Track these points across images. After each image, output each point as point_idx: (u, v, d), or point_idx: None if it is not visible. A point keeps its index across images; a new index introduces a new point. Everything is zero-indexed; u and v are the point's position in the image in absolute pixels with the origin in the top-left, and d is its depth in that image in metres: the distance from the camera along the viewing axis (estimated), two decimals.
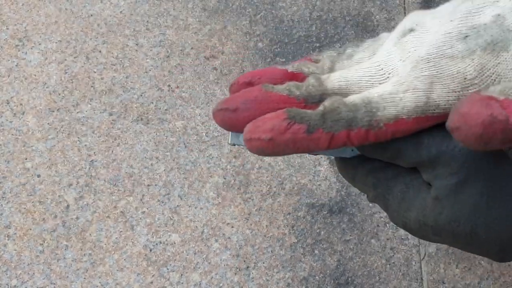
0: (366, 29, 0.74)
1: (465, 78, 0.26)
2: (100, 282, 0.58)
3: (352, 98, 0.28)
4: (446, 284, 0.58)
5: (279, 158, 0.65)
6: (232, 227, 0.61)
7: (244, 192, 0.62)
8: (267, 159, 0.65)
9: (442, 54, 0.26)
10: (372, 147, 0.29)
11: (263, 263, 0.58)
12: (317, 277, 0.58)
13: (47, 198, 0.62)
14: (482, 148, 0.24)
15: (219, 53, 0.72)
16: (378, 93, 0.27)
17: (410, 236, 0.61)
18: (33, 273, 0.58)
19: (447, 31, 0.27)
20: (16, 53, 0.71)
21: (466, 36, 0.26)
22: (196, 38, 0.73)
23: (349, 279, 0.57)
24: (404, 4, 0.77)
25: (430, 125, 0.27)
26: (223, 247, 0.59)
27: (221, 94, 0.69)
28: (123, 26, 0.74)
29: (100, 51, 0.72)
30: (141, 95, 0.69)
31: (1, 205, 0.62)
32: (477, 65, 0.26)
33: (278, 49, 0.73)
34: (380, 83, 0.29)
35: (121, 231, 0.61)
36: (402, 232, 0.61)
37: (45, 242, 0.60)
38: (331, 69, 0.31)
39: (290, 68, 0.32)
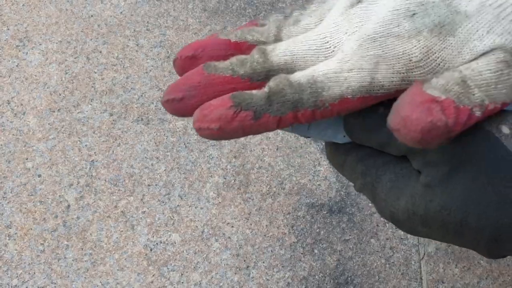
0: None
1: (410, 60, 0.26)
2: (100, 282, 0.58)
3: (297, 77, 0.27)
4: (445, 284, 0.58)
5: (279, 158, 0.65)
6: (232, 226, 0.61)
7: (244, 192, 0.63)
8: (267, 159, 0.65)
9: (388, 33, 0.26)
10: (361, 134, 0.29)
11: (263, 262, 0.59)
12: (316, 277, 0.58)
13: (47, 198, 0.62)
14: (421, 147, 0.25)
15: None
16: (323, 72, 0.27)
17: (409, 236, 0.61)
18: (34, 273, 0.59)
19: (395, 7, 0.26)
20: (17, 53, 0.71)
21: (414, 14, 0.26)
22: (196, 39, 0.73)
23: (349, 278, 0.58)
24: None
25: (376, 102, 0.27)
26: (223, 247, 0.60)
27: None
28: (123, 27, 0.74)
29: (100, 52, 0.72)
30: (142, 96, 0.69)
31: (2, 205, 0.62)
32: (423, 47, 0.26)
33: None
34: (325, 57, 0.28)
35: (122, 231, 0.61)
36: (401, 232, 0.61)
37: (46, 241, 0.60)
38: (277, 36, 0.31)
39: (233, 37, 0.31)
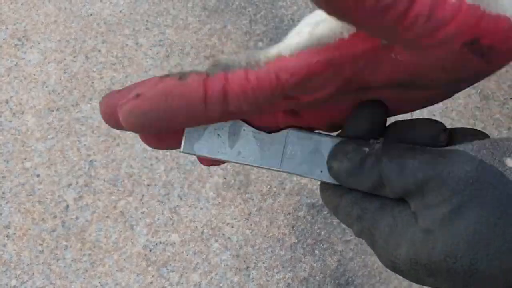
0: None
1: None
2: (99, 282, 0.58)
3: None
4: None
5: None
6: (232, 227, 0.60)
7: (244, 192, 0.62)
8: None
9: None
10: (349, 180, 0.26)
11: (263, 263, 0.58)
12: (317, 278, 0.58)
13: (46, 198, 0.62)
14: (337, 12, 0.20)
15: (219, 53, 0.72)
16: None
17: None
18: (33, 273, 0.58)
19: None
20: (16, 52, 0.71)
21: None
22: (196, 38, 0.73)
23: (350, 279, 0.57)
24: None
25: (319, 66, 0.23)
26: (223, 247, 0.59)
27: None
28: (122, 26, 0.73)
29: (99, 51, 0.72)
30: None
31: (1, 205, 0.62)
32: None
33: None
34: None
35: (121, 231, 0.61)
36: None
37: (45, 242, 0.60)
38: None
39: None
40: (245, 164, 0.27)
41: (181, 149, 0.26)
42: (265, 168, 0.28)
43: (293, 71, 0.23)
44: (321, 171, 0.28)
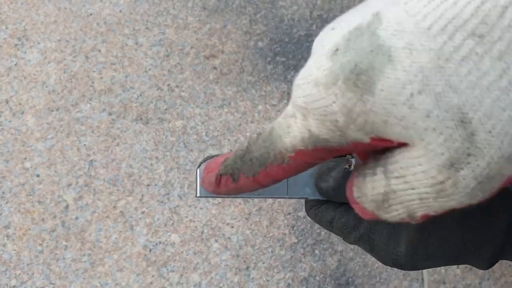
0: None
1: (336, 121, 0.20)
2: (99, 283, 0.58)
3: (263, 130, 0.25)
4: (446, 285, 0.58)
5: None
6: (232, 227, 0.60)
7: None
8: None
9: (308, 79, 0.21)
10: (338, 197, 0.28)
11: (263, 263, 0.58)
12: (317, 278, 0.58)
13: (46, 198, 0.62)
14: None
15: (219, 53, 0.72)
16: (277, 120, 0.24)
17: None
18: (33, 273, 0.58)
19: (323, 43, 0.21)
20: (15, 52, 0.71)
21: (337, 50, 0.20)
22: (196, 37, 0.73)
23: (350, 279, 0.57)
24: None
25: (337, 154, 0.23)
26: (223, 247, 0.59)
27: (221, 93, 0.69)
28: (122, 25, 0.73)
29: (99, 50, 0.72)
30: (141, 95, 0.69)
31: (0, 205, 0.62)
32: (342, 107, 0.20)
33: (279, 48, 0.73)
34: None
35: (121, 231, 0.61)
36: None
37: (45, 242, 0.60)
38: None
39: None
40: (255, 197, 0.30)
41: (197, 194, 0.30)
42: (273, 198, 0.30)
43: (316, 162, 0.24)
44: (310, 189, 0.31)
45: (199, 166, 0.29)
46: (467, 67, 0.18)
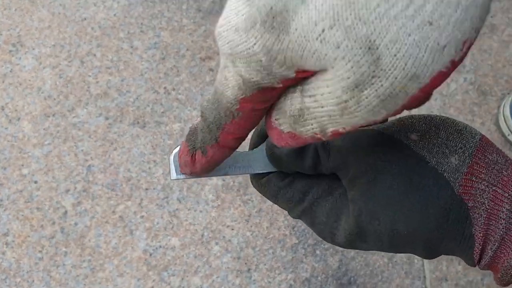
0: None
1: (260, 61, 0.22)
2: None
3: (208, 94, 0.27)
4: (449, 282, 0.58)
5: None
6: (232, 229, 0.60)
7: (243, 193, 0.62)
8: None
9: (229, 26, 0.22)
10: (290, 164, 0.29)
11: (265, 265, 0.58)
12: (319, 278, 0.57)
13: (44, 205, 0.62)
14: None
15: (215, 54, 0.72)
16: (217, 77, 0.25)
17: None
18: (33, 281, 0.58)
19: None
20: (10, 58, 0.70)
21: None
22: (191, 39, 0.73)
23: (352, 279, 0.57)
24: None
25: (277, 94, 0.24)
26: (223, 250, 0.59)
27: None
28: (117, 29, 0.73)
29: (94, 55, 0.71)
30: (137, 98, 0.68)
31: None
32: (262, 47, 0.21)
33: None
34: None
35: (120, 236, 0.60)
36: None
37: (44, 249, 0.59)
38: None
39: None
40: (222, 175, 0.30)
41: (172, 177, 0.30)
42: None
43: (261, 107, 0.26)
44: (265, 165, 0.31)
45: (172, 152, 0.30)
46: (376, 1, 0.19)
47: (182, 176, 0.30)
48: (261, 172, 0.31)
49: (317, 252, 0.58)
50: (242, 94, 0.24)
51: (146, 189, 0.63)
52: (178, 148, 0.29)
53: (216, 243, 0.59)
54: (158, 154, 0.65)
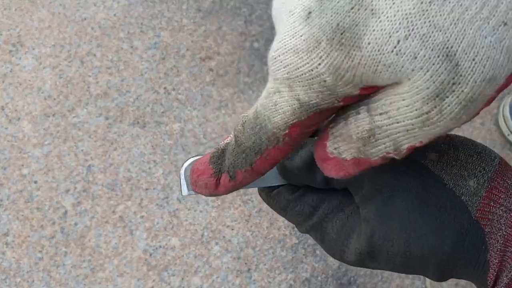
0: None
1: (324, 81, 0.21)
2: None
3: (246, 114, 0.25)
4: (448, 282, 0.58)
5: None
6: (232, 229, 0.60)
7: (243, 193, 0.62)
8: None
9: (285, 48, 0.21)
10: (301, 177, 0.28)
11: (265, 265, 0.58)
12: (319, 278, 0.57)
13: (44, 205, 0.62)
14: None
15: (215, 54, 0.72)
16: (260, 102, 0.23)
17: None
18: (33, 281, 0.58)
19: (290, 9, 0.21)
20: (10, 58, 0.71)
21: (309, 13, 0.20)
22: (191, 39, 0.73)
23: (352, 279, 0.57)
24: None
25: (332, 113, 0.23)
26: (223, 250, 0.59)
27: (218, 95, 0.69)
28: (117, 29, 0.73)
29: (94, 55, 0.71)
30: (137, 98, 0.68)
31: None
32: (329, 66, 0.20)
33: None
34: None
35: (120, 236, 0.60)
36: None
37: (44, 249, 0.59)
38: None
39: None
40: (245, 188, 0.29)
41: (182, 193, 0.29)
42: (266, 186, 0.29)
43: (312, 129, 0.24)
44: (277, 178, 0.30)
45: (182, 166, 0.28)
46: (449, 6, 0.19)
47: (194, 193, 0.29)
48: (271, 185, 0.30)
49: (317, 252, 0.58)
50: (295, 118, 0.23)
51: (146, 189, 0.63)
52: (188, 162, 0.28)
53: (216, 243, 0.59)
54: (158, 154, 0.65)
